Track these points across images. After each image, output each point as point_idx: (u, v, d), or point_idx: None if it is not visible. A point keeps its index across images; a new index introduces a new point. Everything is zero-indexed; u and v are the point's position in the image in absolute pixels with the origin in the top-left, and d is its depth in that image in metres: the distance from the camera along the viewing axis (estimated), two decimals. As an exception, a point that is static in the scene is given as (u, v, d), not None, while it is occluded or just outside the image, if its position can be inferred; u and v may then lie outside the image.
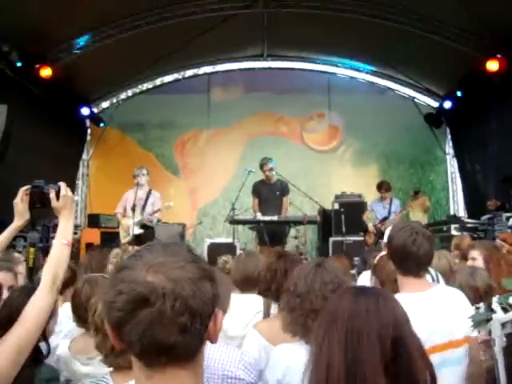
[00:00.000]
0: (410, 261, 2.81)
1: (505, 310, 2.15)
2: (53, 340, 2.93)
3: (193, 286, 1.16)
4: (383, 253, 4.02)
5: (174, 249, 1.24)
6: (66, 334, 3.41)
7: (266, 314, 3.48)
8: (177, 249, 1.24)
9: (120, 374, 2.16)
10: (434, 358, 2.51)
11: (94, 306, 2.62)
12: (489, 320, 2.15)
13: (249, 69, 13.90)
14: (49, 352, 2.68)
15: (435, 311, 2.67)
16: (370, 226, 9.72)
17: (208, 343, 1.27)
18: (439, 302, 2.74)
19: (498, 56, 9.65)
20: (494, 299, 2.21)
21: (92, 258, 4.62)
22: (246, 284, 3.80)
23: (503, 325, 2.13)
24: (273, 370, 2.48)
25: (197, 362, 1.23)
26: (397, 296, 2.73)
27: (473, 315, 2.28)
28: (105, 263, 4.40)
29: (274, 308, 3.54)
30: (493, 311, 2.16)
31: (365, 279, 4.21)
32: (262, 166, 9.17)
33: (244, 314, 3.57)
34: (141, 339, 1.14)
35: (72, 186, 13.10)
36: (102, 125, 13.14)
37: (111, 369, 2.20)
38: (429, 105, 13.56)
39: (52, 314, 2.80)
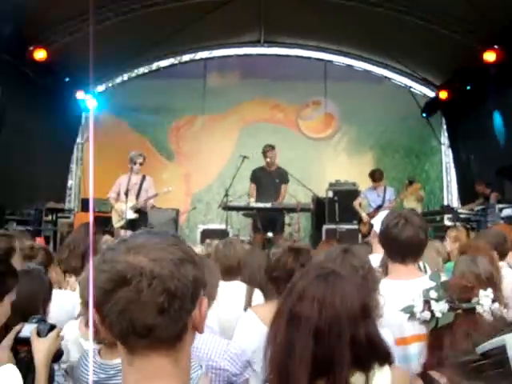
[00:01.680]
0: (393, 245, 2.80)
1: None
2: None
3: (172, 266, 1.14)
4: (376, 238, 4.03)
5: (158, 233, 1.23)
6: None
7: (248, 302, 3.52)
8: (161, 233, 1.24)
9: (109, 351, 2.20)
10: (411, 348, 2.53)
11: (84, 281, 2.62)
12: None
13: (245, 55, 13.87)
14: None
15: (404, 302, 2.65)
16: (364, 215, 9.71)
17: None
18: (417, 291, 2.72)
19: (496, 47, 9.62)
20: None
21: (78, 235, 4.55)
22: (227, 273, 3.80)
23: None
24: None
25: (180, 351, 1.20)
26: (382, 281, 2.75)
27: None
28: (97, 247, 4.36)
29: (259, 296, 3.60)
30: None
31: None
32: (265, 152, 9.11)
33: (232, 302, 3.58)
34: (119, 319, 1.13)
35: (66, 170, 13.10)
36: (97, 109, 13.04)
37: (101, 345, 2.22)
38: (425, 94, 13.54)
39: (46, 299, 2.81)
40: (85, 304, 2.49)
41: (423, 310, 2.09)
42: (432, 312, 2.04)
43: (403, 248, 2.78)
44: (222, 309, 3.52)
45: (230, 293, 3.65)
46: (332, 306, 1.53)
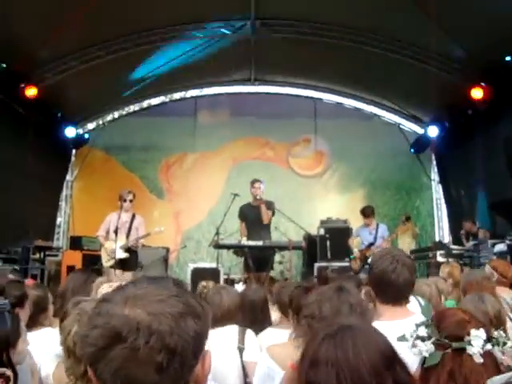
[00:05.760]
0: (390, 289, 2.77)
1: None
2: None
3: (172, 321, 1.06)
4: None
5: (158, 281, 1.16)
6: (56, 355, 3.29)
7: (241, 341, 3.49)
8: (162, 282, 1.16)
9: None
10: None
11: (68, 327, 2.52)
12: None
13: (236, 93, 13.94)
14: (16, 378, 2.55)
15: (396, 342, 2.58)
16: (356, 252, 9.64)
17: None
18: (405, 331, 2.65)
19: (482, 84, 9.75)
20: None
21: (73, 280, 4.49)
22: (216, 321, 3.70)
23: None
24: None
25: None
26: (374, 324, 2.68)
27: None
28: (88, 288, 4.28)
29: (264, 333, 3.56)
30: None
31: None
32: (252, 184, 9.05)
33: (222, 346, 3.49)
34: (114, 378, 1.04)
35: (55, 207, 12.98)
36: (86, 139, 13.02)
37: None
38: (414, 131, 13.65)
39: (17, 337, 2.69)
40: (66, 351, 2.37)
41: (413, 346, 2.02)
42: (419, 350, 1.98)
43: (400, 291, 2.79)
44: (213, 353, 3.42)
45: (220, 337, 3.56)
46: (348, 366, 1.40)
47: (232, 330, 3.66)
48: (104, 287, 3.90)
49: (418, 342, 1.98)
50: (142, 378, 1.03)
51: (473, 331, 1.92)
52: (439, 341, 1.94)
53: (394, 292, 2.78)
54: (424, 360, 1.94)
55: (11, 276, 5.95)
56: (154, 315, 1.05)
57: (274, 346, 3.03)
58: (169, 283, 1.16)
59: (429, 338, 1.98)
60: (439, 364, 1.89)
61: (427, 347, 1.95)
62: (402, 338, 2.11)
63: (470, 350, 1.89)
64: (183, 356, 1.06)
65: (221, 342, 3.49)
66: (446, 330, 1.96)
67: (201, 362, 1.14)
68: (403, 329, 2.53)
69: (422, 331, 2.01)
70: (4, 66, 9.04)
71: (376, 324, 2.64)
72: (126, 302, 1.08)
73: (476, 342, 1.91)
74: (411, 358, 2.27)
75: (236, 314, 3.77)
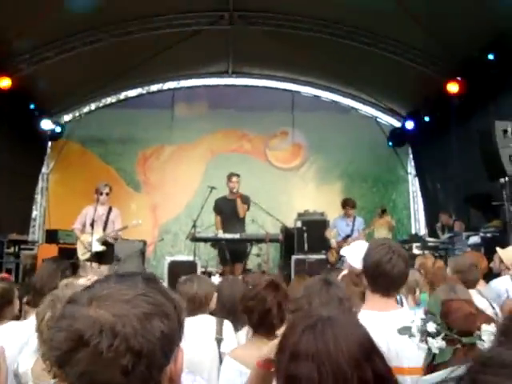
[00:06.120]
0: (383, 279, 2.76)
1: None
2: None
3: (137, 323, 1.03)
4: (344, 272, 3.99)
5: (127, 279, 1.12)
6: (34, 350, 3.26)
7: (219, 332, 3.48)
8: (130, 279, 1.12)
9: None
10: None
11: (41, 313, 2.51)
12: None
13: (213, 85, 13.90)
14: None
15: (391, 333, 2.60)
16: (333, 243, 9.70)
17: None
18: (398, 324, 2.68)
19: (458, 78, 9.85)
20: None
21: (43, 270, 4.45)
22: (192, 309, 3.72)
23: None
24: None
25: None
26: (360, 313, 2.70)
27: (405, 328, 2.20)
28: (57, 277, 4.24)
29: (243, 332, 3.56)
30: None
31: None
32: (229, 178, 9.04)
33: (199, 337, 3.49)
34: (80, 381, 1.02)
35: (30, 200, 12.82)
36: (59, 132, 12.84)
37: (55, 380, 2.09)
38: (391, 124, 13.74)
39: None
40: (41, 337, 2.37)
41: (422, 341, 2.02)
42: (429, 347, 1.98)
43: (393, 282, 2.78)
44: (190, 344, 3.42)
45: (197, 327, 3.56)
46: (329, 358, 1.39)
47: (208, 320, 3.65)
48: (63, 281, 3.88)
49: (429, 339, 1.99)
50: (108, 381, 1.01)
51: (484, 326, 1.94)
52: (448, 336, 1.95)
53: (387, 283, 2.76)
54: (433, 356, 1.96)
55: None
56: (118, 317, 1.02)
57: (236, 349, 3.05)
58: (137, 281, 1.12)
59: (438, 333, 1.98)
60: (450, 359, 1.91)
61: (438, 344, 1.96)
62: (406, 332, 2.11)
63: (482, 344, 1.91)
64: (150, 358, 1.04)
65: (196, 332, 3.49)
66: (455, 325, 1.97)
67: (173, 360, 1.12)
68: (393, 321, 2.57)
69: (431, 327, 2.02)
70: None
71: (366, 313, 2.68)
72: (90, 302, 1.05)
73: (487, 336, 1.93)
74: (413, 351, 2.30)
75: (208, 304, 3.77)
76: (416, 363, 2.48)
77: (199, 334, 3.49)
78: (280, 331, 2.84)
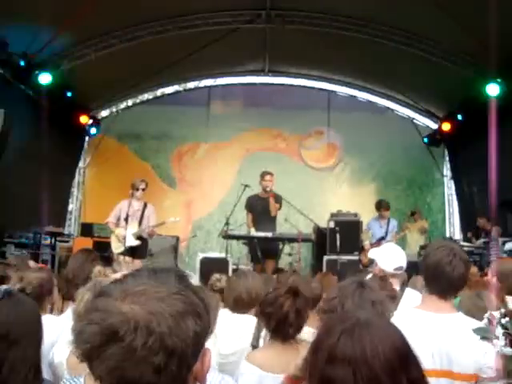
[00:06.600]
0: (442, 281, 2.72)
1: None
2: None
3: (172, 322, 1.02)
4: (370, 275, 3.96)
5: (160, 276, 1.11)
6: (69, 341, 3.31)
7: (256, 337, 3.37)
8: (164, 276, 1.11)
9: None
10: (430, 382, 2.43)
11: (81, 294, 2.56)
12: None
13: (249, 84, 13.93)
14: None
15: (445, 336, 2.57)
16: (366, 245, 9.65)
17: None
18: (453, 328, 2.62)
19: (498, 80, 9.67)
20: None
21: (73, 261, 4.52)
22: (235, 306, 3.73)
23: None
24: None
25: None
26: (413, 311, 2.74)
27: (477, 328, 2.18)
28: (87, 268, 4.30)
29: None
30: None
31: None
32: (263, 176, 9.05)
33: (234, 335, 3.49)
34: (110, 377, 1.02)
35: (67, 194, 13.06)
36: (94, 133, 13.04)
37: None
38: (428, 126, 13.57)
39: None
40: (77, 317, 2.42)
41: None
42: None
43: (453, 285, 2.74)
44: (226, 343, 3.44)
45: (239, 326, 3.56)
46: (365, 364, 1.39)
47: (250, 322, 3.56)
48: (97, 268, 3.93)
49: None
50: (139, 378, 1.00)
51: None
52: None
53: (445, 284, 2.71)
54: None
55: (32, 262, 6.01)
56: (153, 314, 1.02)
57: (254, 353, 3.03)
58: (170, 278, 1.12)
59: None
60: None
61: None
62: (483, 334, 2.10)
63: None
64: (182, 357, 1.03)
65: (236, 332, 3.49)
66: None
67: (200, 359, 1.11)
68: (448, 324, 2.59)
69: None
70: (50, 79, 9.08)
71: (420, 313, 2.70)
72: (124, 298, 1.04)
73: None
74: (466, 357, 2.28)
75: (254, 305, 3.68)
76: (467, 370, 2.47)
77: (239, 336, 3.48)
78: (300, 335, 2.85)
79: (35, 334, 2.56)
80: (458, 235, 12.81)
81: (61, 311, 3.94)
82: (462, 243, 10.23)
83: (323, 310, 2.63)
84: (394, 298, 3.53)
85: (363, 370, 1.38)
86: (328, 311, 2.54)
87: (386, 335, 1.47)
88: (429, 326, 2.56)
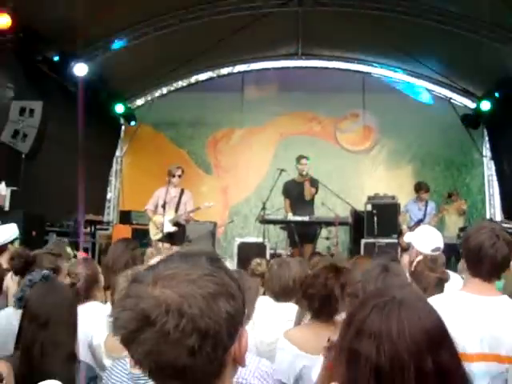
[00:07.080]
0: (485, 263, 2.66)
1: None
2: None
3: (203, 303, 1.03)
4: (420, 257, 3.91)
5: (191, 259, 1.12)
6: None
7: (297, 324, 3.37)
8: (195, 259, 1.12)
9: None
10: (473, 367, 2.40)
11: (119, 281, 2.61)
12: None
13: (283, 68, 13.85)
14: None
15: (492, 319, 2.52)
16: (404, 229, 9.55)
17: None
18: (500, 311, 2.58)
19: (540, 56, 9.41)
20: None
21: (113, 250, 4.60)
22: (281, 294, 3.73)
23: None
24: None
25: None
26: (458, 293, 2.71)
27: None
28: (126, 256, 4.37)
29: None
30: None
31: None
32: (299, 160, 9.09)
33: (276, 323, 3.50)
34: (147, 360, 1.04)
35: (105, 182, 13.26)
36: (133, 123, 13.20)
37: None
38: (466, 105, 13.28)
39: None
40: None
41: None
42: None
43: (495, 267, 2.68)
44: (268, 331, 3.45)
45: (281, 314, 3.56)
46: (389, 341, 1.38)
47: (291, 309, 3.56)
48: (155, 259, 3.98)
49: None
50: (174, 360, 1.02)
51: None
52: None
53: (489, 267, 2.66)
54: None
55: (69, 249, 6.12)
56: (184, 297, 1.03)
57: (292, 331, 3.03)
58: (201, 260, 1.12)
59: None
60: None
61: None
62: None
63: None
64: (216, 338, 1.04)
65: (279, 320, 3.49)
66: None
67: (237, 341, 1.11)
68: (494, 306, 2.56)
69: None
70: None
71: (465, 295, 2.67)
72: (155, 282, 1.06)
73: None
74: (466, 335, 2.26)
75: (297, 292, 3.67)
76: (487, 349, 2.44)
77: (281, 324, 3.46)
78: (340, 317, 2.84)
79: (67, 320, 2.63)
80: (498, 216, 12.56)
81: (104, 299, 4.03)
82: (504, 225, 10.04)
83: (347, 292, 2.63)
84: (445, 281, 3.47)
85: (386, 346, 1.37)
86: (351, 295, 2.53)
87: (418, 316, 1.43)
88: (475, 309, 2.53)
